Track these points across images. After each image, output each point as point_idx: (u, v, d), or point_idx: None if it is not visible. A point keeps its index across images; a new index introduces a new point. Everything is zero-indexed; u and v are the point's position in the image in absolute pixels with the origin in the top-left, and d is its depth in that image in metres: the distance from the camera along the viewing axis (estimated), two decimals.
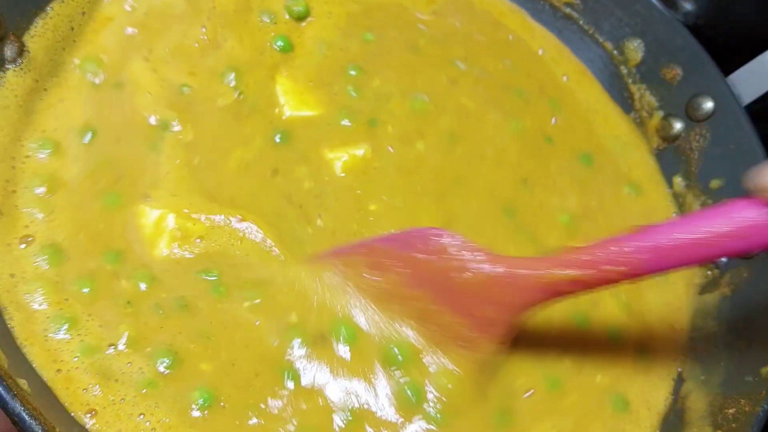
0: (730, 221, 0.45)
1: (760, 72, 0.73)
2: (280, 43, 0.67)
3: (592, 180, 0.71)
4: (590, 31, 0.80)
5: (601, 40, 0.79)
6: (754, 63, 0.73)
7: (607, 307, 0.64)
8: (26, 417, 0.42)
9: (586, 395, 0.60)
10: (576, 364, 0.60)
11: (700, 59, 0.74)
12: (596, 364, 0.61)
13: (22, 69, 0.58)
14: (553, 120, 0.74)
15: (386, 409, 0.52)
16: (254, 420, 0.50)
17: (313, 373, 0.52)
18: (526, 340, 0.57)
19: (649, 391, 0.62)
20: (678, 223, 0.48)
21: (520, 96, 0.74)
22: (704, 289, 0.68)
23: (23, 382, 0.46)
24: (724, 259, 0.68)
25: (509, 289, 0.47)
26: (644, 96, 0.78)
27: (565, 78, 0.78)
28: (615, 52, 0.79)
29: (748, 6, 0.84)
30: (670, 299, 0.68)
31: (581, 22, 0.80)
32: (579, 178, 0.71)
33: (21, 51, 0.58)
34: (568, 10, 0.80)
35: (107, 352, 0.51)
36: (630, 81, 0.78)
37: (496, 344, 0.50)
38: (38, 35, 0.59)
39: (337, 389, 0.52)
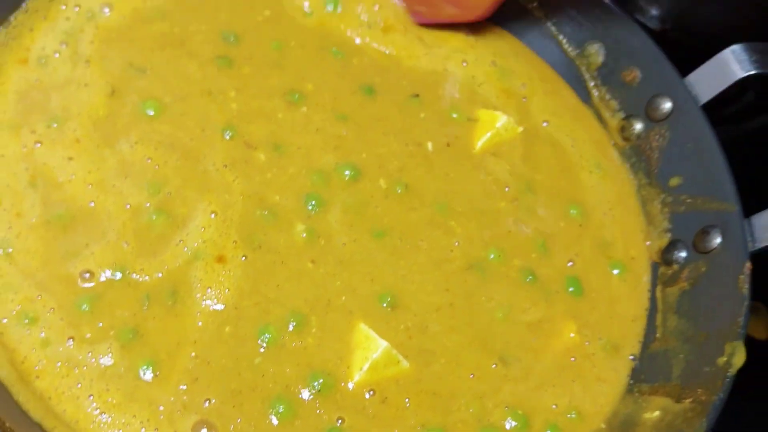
0: None
1: (716, 71, 0.74)
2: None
3: None
4: (553, 36, 0.82)
5: (564, 44, 0.81)
6: (710, 63, 0.75)
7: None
8: None
9: None
10: None
11: (657, 61, 0.76)
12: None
13: None
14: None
15: None
16: None
17: None
18: None
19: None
20: None
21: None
22: (665, 283, 0.70)
23: None
24: (683, 254, 0.70)
25: None
26: (605, 98, 0.79)
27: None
28: (576, 56, 0.81)
29: (712, 8, 0.86)
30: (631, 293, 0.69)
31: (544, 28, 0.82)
32: None
33: None
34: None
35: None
36: (591, 84, 0.80)
37: None
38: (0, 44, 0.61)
39: None
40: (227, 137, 0.64)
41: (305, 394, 0.55)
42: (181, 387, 0.53)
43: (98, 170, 0.59)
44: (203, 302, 0.56)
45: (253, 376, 0.54)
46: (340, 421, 0.54)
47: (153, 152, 0.61)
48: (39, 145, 0.59)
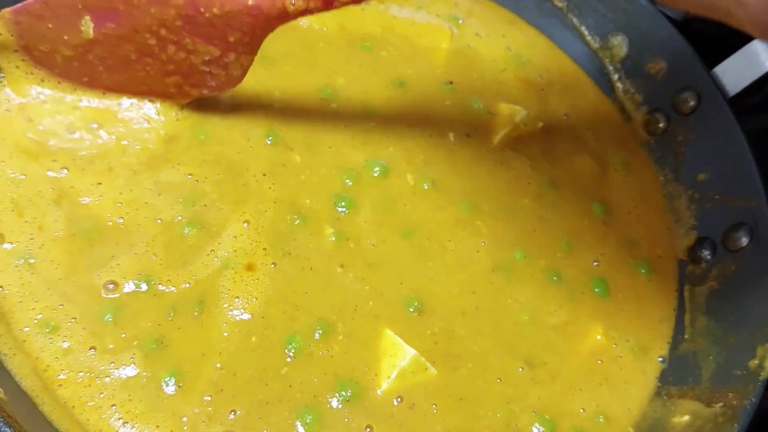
0: None
1: (745, 63, 0.72)
2: None
3: None
4: (575, 27, 0.80)
5: (586, 36, 0.79)
6: (738, 54, 0.73)
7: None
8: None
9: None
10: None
11: (683, 52, 0.74)
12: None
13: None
14: None
15: None
16: None
17: None
18: None
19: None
20: None
21: None
22: (693, 282, 0.68)
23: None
24: (712, 252, 0.68)
25: (252, 18, 0.56)
26: (629, 91, 0.78)
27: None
28: (599, 48, 0.79)
29: None
30: (658, 293, 0.68)
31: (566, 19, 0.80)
32: None
33: None
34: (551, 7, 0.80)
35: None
36: (616, 77, 0.78)
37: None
38: None
39: None
40: (268, 142, 0.63)
41: (333, 404, 0.54)
42: (205, 398, 0.52)
43: (131, 192, 0.58)
44: (230, 312, 0.55)
45: (280, 386, 0.53)
46: (368, 429, 0.54)
47: (196, 170, 0.61)
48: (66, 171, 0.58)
